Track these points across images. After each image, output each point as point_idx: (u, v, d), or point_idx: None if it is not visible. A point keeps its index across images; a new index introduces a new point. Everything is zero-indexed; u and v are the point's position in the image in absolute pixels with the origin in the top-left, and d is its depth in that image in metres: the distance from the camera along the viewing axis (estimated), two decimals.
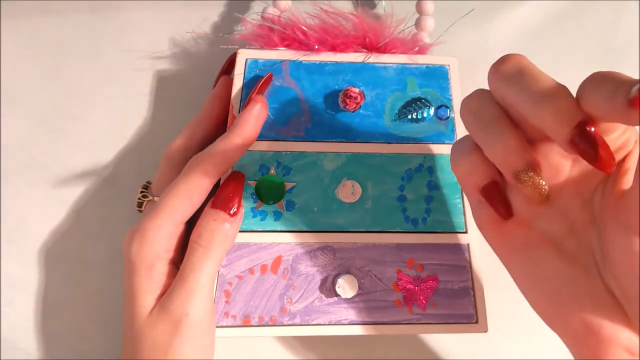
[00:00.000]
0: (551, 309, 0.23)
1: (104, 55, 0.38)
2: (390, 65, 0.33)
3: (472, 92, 0.24)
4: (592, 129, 0.19)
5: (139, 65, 0.38)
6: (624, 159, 0.21)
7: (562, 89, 0.20)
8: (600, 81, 0.19)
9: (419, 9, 0.36)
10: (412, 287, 0.30)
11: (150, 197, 0.31)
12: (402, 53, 0.34)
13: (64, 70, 0.38)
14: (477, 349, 0.34)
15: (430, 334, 0.30)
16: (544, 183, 0.22)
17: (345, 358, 0.34)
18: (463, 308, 0.30)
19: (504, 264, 0.25)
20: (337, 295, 0.30)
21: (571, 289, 0.22)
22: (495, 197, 0.24)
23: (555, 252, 0.23)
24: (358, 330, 0.29)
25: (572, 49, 0.40)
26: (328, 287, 0.30)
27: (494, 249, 0.25)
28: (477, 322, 0.30)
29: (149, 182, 0.32)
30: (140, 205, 0.31)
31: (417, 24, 0.36)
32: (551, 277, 0.22)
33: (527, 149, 0.22)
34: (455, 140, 0.25)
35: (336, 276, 0.30)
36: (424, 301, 0.30)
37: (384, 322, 0.30)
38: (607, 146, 0.19)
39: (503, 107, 0.23)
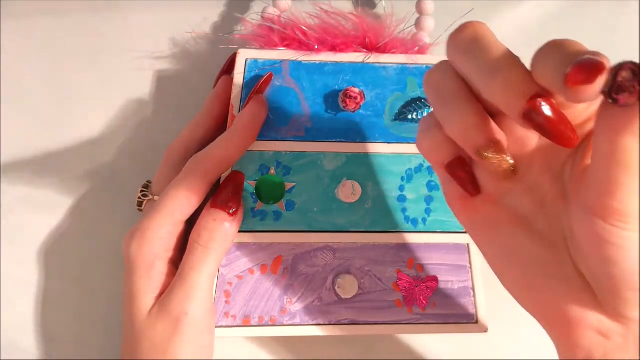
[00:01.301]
0: (520, 288, 0.22)
1: (104, 55, 0.38)
2: (390, 65, 0.33)
3: (435, 65, 0.22)
4: (547, 103, 0.18)
5: (139, 65, 0.38)
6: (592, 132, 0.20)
7: (513, 60, 0.19)
8: (550, 50, 0.18)
9: (419, 9, 0.36)
10: (412, 287, 0.30)
11: (151, 197, 0.31)
12: (402, 53, 0.34)
13: (64, 70, 0.38)
14: (477, 349, 0.34)
15: (430, 334, 0.30)
16: (508, 158, 0.20)
17: (345, 358, 0.34)
18: (463, 308, 0.30)
19: (474, 241, 0.24)
20: (337, 295, 0.30)
21: (539, 268, 0.21)
22: (461, 174, 0.23)
23: (525, 229, 0.22)
24: (358, 330, 0.29)
25: None
26: (328, 287, 0.30)
27: (463, 226, 0.24)
28: (477, 322, 0.30)
29: (149, 182, 0.32)
30: (140, 204, 0.31)
31: (417, 24, 0.36)
32: (519, 256, 0.21)
33: (487, 124, 0.20)
34: (422, 118, 0.24)
35: (336, 276, 0.30)
36: (424, 301, 0.30)
37: (384, 322, 0.30)
38: (565, 120, 0.18)
39: (464, 79, 0.21)
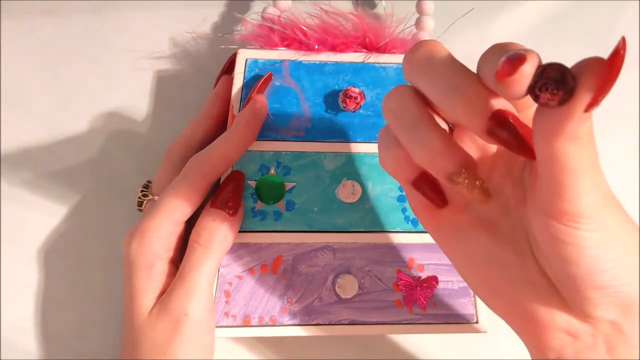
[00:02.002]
0: (489, 293, 0.22)
1: (104, 55, 0.38)
2: (390, 65, 0.33)
3: (391, 90, 0.21)
4: (510, 117, 0.18)
5: (139, 65, 0.38)
6: None
7: (471, 77, 0.18)
8: (490, 53, 0.18)
9: (419, 9, 0.36)
10: (412, 287, 0.30)
11: (151, 197, 0.31)
12: (402, 53, 0.34)
13: (64, 70, 0.38)
14: (477, 349, 0.34)
15: (430, 334, 0.30)
16: (480, 182, 0.20)
17: (345, 358, 0.34)
18: (463, 308, 0.30)
19: (440, 247, 0.24)
20: (337, 295, 0.30)
21: (504, 272, 0.21)
22: (428, 189, 0.22)
23: (488, 234, 0.22)
24: (358, 330, 0.29)
25: (572, 49, 0.40)
26: (328, 287, 0.30)
27: (430, 233, 0.24)
28: (477, 322, 0.30)
29: (149, 182, 0.32)
30: (140, 204, 0.31)
31: (417, 24, 0.36)
32: (484, 260, 0.22)
33: (455, 149, 0.20)
34: (380, 131, 0.23)
35: (336, 276, 0.30)
36: (424, 301, 0.30)
37: (384, 322, 0.30)
38: (527, 132, 0.18)
39: (423, 99, 0.21)
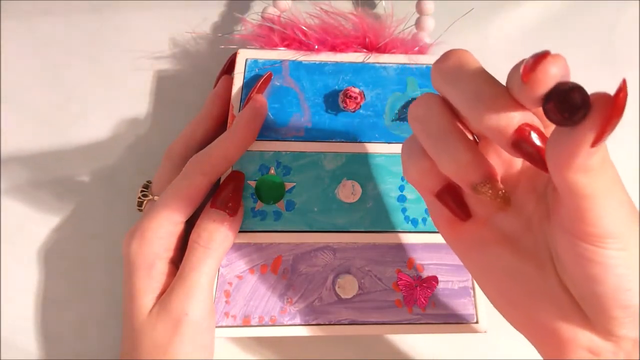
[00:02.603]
0: (507, 306, 0.22)
1: (104, 55, 0.38)
2: (390, 65, 0.33)
3: (418, 97, 0.21)
4: (536, 132, 0.18)
5: (139, 65, 0.38)
6: None
7: (499, 89, 0.18)
8: (517, 64, 0.18)
9: (419, 9, 0.36)
10: (412, 287, 0.30)
11: (151, 197, 0.31)
12: (402, 53, 0.34)
13: (64, 70, 0.38)
14: (477, 349, 0.34)
15: (430, 334, 0.30)
16: (503, 191, 0.20)
17: (345, 358, 0.34)
18: (463, 308, 0.30)
19: (461, 260, 0.24)
20: (337, 295, 0.30)
21: (525, 286, 0.21)
22: (451, 201, 0.22)
23: (510, 248, 0.22)
24: (358, 330, 0.29)
25: (572, 48, 0.40)
26: (328, 287, 0.30)
27: (450, 246, 0.24)
28: (477, 322, 0.30)
29: (149, 182, 0.32)
30: (140, 204, 0.31)
31: (417, 24, 0.36)
32: (505, 274, 0.21)
33: (481, 162, 0.20)
34: (404, 143, 0.23)
35: (336, 276, 0.30)
36: (424, 301, 0.30)
37: (384, 322, 0.30)
38: None
39: (451, 108, 0.21)
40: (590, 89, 0.16)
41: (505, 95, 0.18)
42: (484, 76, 0.19)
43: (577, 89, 0.15)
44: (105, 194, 0.36)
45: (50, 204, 0.35)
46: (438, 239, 0.31)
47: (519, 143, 0.18)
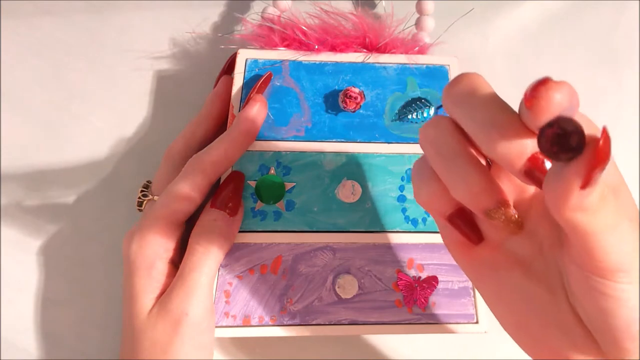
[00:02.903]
0: (517, 330, 0.22)
1: (104, 55, 0.38)
2: (390, 65, 0.33)
3: (431, 119, 0.21)
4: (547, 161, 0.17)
5: (139, 65, 0.38)
6: None
7: (511, 116, 0.18)
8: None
9: (419, 9, 0.36)
10: (412, 287, 0.30)
11: (151, 197, 0.31)
12: (402, 53, 0.34)
13: (64, 70, 0.38)
14: (477, 349, 0.34)
15: (430, 334, 0.30)
16: (515, 216, 0.20)
17: (345, 358, 0.34)
18: (463, 308, 0.30)
19: (472, 282, 0.24)
20: (337, 295, 0.30)
21: (536, 311, 0.21)
22: (463, 225, 0.22)
23: (523, 274, 0.21)
24: (358, 330, 0.29)
25: (572, 49, 0.40)
26: (328, 287, 0.30)
27: (461, 268, 0.24)
28: (477, 322, 0.30)
29: (149, 182, 0.32)
30: (140, 204, 0.31)
31: (417, 24, 0.36)
32: (516, 298, 0.21)
33: (493, 187, 0.20)
34: (414, 164, 0.23)
35: (336, 276, 0.30)
36: (424, 301, 0.30)
37: (384, 322, 0.30)
38: None
39: (463, 132, 0.20)
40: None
41: (516, 122, 0.18)
42: (495, 102, 0.18)
43: (577, 132, 0.15)
44: (105, 194, 0.36)
45: (50, 204, 0.35)
46: (438, 239, 0.31)
47: (531, 172, 0.17)
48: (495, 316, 0.23)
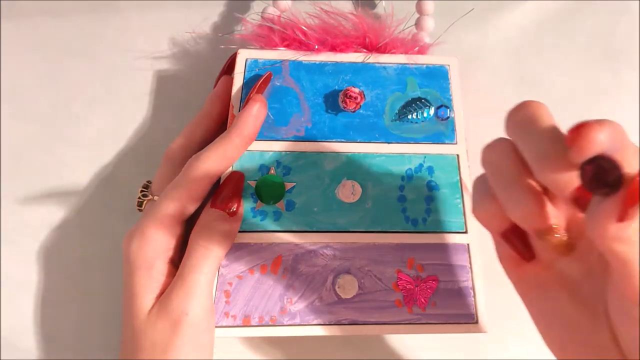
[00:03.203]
0: (559, 350, 0.22)
1: (104, 55, 0.38)
2: (390, 65, 0.33)
3: (492, 142, 0.23)
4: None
5: (139, 65, 0.38)
6: None
7: (561, 150, 0.19)
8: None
9: (419, 9, 0.36)
10: (412, 287, 0.30)
11: (151, 197, 0.31)
12: (402, 53, 0.34)
13: (64, 70, 0.38)
14: (477, 349, 0.34)
15: (430, 334, 0.30)
16: (566, 239, 0.21)
17: (345, 358, 0.34)
18: (463, 308, 0.30)
19: (521, 298, 0.24)
20: (337, 295, 0.30)
21: (577, 336, 0.21)
22: (516, 242, 0.23)
23: (570, 295, 0.22)
24: (358, 330, 0.29)
25: (572, 49, 0.40)
26: (328, 287, 0.30)
27: (512, 283, 0.25)
28: (477, 322, 0.30)
29: (149, 182, 0.32)
30: (140, 204, 0.31)
31: (417, 24, 0.36)
32: (559, 319, 0.22)
33: (547, 211, 0.21)
34: (475, 179, 0.24)
35: (336, 276, 0.30)
36: (424, 301, 0.30)
37: (384, 322, 0.30)
38: None
39: (521, 155, 0.22)
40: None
41: (566, 155, 0.19)
42: (549, 133, 0.19)
43: (614, 171, 0.16)
44: (105, 194, 0.36)
45: (50, 204, 0.35)
46: (438, 239, 0.31)
47: (578, 200, 0.18)
48: (540, 333, 0.24)
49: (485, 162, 0.23)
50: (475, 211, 0.24)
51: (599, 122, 0.17)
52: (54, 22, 0.38)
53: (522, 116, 0.21)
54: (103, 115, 0.37)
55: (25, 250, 0.34)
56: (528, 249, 0.23)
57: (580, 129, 0.17)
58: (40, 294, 0.34)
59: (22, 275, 0.34)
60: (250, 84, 0.32)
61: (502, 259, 0.25)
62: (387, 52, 0.34)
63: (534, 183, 0.21)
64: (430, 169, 0.32)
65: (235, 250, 0.30)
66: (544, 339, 0.23)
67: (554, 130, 0.19)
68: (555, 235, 0.21)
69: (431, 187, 0.32)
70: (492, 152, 0.22)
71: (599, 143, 0.17)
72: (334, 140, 0.32)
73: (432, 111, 0.33)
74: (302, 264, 0.30)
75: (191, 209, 0.29)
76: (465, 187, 0.32)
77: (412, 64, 0.33)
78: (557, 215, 0.21)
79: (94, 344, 0.33)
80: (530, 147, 0.20)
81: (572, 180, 0.18)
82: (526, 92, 0.38)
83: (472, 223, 0.31)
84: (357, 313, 0.30)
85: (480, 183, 0.24)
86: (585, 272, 0.22)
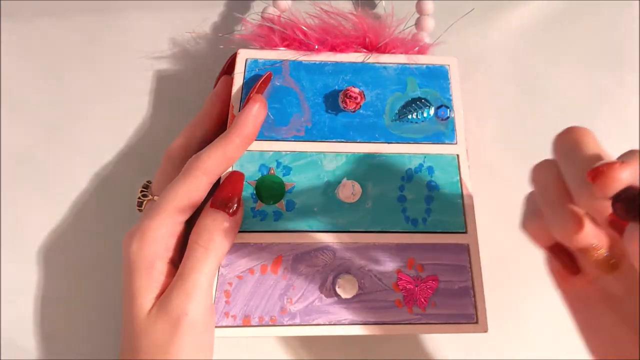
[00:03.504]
0: None
1: (104, 55, 0.38)
2: (390, 65, 0.33)
3: (540, 162, 0.24)
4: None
5: (139, 65, 0.38)
6: None
7: None
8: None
9: (419, 9, 0.36)
10: (412, 287, 0.30)
11: (151, 197, 0.31)
12: (402, 53, 0.34)
13: (64, 70, 0.38)
14: (477, 349, 0.34)
15: (430, 334, 0.30)
16: (608, 258, 0.22)
17: (345, 358, 0.34)
18: (463, 308, 0.30)
19: (566, 309, 0.26)
20: (337, 295, 0.30)
21: (618, 351, 0.22)
22: (562, 256, 0.24)
23: (612, 310, 0.23)
24: (358, 330, 0.29)
25: (573, 49, 0.40)
26: (328, 287, 0.30)
27: (559, 294, 0.26)
28: (477, 322, 0.30)
29: (149, 182, 0.32)
30: (140, 204, 0.31)
31: (417, 24, 0.36)
32: (602, 334, 0.23)
33: (589, 231, 0.21)
34: (527, 194, 0.26)
35: (336, 276, 0.30)
36: (424, 301, 0.30)
37: (384, 322, 0.30)
38: None
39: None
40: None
41: None
42: (589, 162, 0.20)
43: None
44: (105, 194, 0.36)
45: (50, 204, 0.35)
46: (438, 239, 0.31)
47: (615, 224, 0.20)
48: (583, 342, 0.25)
49: (532, 180, 0.24)
50: (524, 226, 0.25)
51: (622, 165, 0.18)
52: (54, 22, 0.38)
53: (566, 141, 0.22)
54: (103, 116, 0.37)
55: (25, 251, 0.34)
56: (573, 263, 0.24)
57: (604, 168, 0.18)
58: (40, 294, 0.34)
59: (22, 275, 0.34)
60: (250, 84, 0.32)
61: (550, 270, 0.26)
62: (387, 52, 0.34)
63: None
64: (430, 169, 0.32)
65: (235, 250, 0.30)
66: (586, 347, 0.24)
67: (592, 158, 0.20)
68: (596, 253, 0.21)
69: (431, 187, 0.32)
70: (539, 172, 0.23)
71: (621, 181, 0.18)
72: (334, 140, 0.32)
73: (432, 111, 0.33)
74: (302, 264, 0.30)
75: (191, 209, 0.29)
76: (465, 187, 0.32)
77: (412, 64, 0.33)
78: (597, 235, 0.22)
79: (94, 344, 0.33)
80: (569, 172, 0.21)
81: (606, 207, 0.19)
82: (526, 92, 0.38)
83: (472, 223, 0.31)
84: (357, 313, 0.30)
85: (530, 200, 0.25)
86: (627, 289, 0.23)
